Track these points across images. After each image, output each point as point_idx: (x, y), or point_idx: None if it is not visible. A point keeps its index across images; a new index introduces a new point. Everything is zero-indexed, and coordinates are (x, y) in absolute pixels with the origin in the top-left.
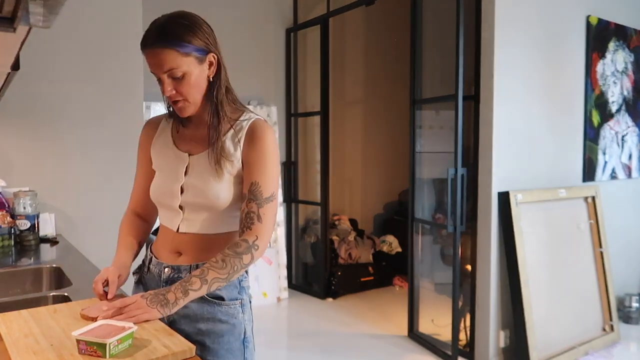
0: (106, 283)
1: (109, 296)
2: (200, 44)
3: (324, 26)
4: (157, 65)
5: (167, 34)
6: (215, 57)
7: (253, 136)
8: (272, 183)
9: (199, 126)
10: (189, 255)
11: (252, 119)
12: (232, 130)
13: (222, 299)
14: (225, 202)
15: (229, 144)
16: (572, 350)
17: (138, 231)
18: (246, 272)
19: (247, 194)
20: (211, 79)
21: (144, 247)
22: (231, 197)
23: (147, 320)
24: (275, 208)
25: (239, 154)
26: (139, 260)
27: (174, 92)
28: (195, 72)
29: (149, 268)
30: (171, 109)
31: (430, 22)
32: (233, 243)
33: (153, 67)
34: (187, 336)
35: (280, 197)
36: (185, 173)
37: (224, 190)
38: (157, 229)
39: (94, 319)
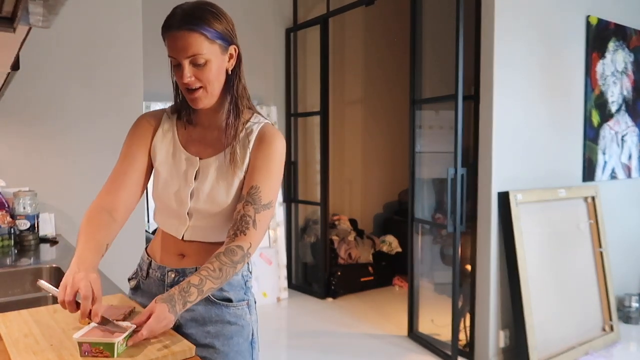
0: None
1: (94, 319)
2: (225, 33)
3: (323, 26)
4: (181, 50)
5: (195, 17)
6: (236, 50)
7: (263, 140)
8: (272, 190)
9: (208, 128)
10: (193, 258)
11: (262, 123)
12: (243, 132)
13: (230, 300)
14: (233, 205)
15: (239, 147)
16: (572, 350)
17: (109, 233)
18: (250, 272)
19: (245, 195)
20: (229, 72)
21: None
22: (236, 199)
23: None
24: (270, 216)
25: (247, 157)
26: (133, 265)
27: (192, 78)
28: (217, 61)
29: (147, 273)
30: (180, 99)
31: (429, 22)
32: (229, 250)
33: (175, 52)
34: (195, 340)
35: (280, 197)
36: (195, 178)
37: (232, 194)
38: (154, 230)
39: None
